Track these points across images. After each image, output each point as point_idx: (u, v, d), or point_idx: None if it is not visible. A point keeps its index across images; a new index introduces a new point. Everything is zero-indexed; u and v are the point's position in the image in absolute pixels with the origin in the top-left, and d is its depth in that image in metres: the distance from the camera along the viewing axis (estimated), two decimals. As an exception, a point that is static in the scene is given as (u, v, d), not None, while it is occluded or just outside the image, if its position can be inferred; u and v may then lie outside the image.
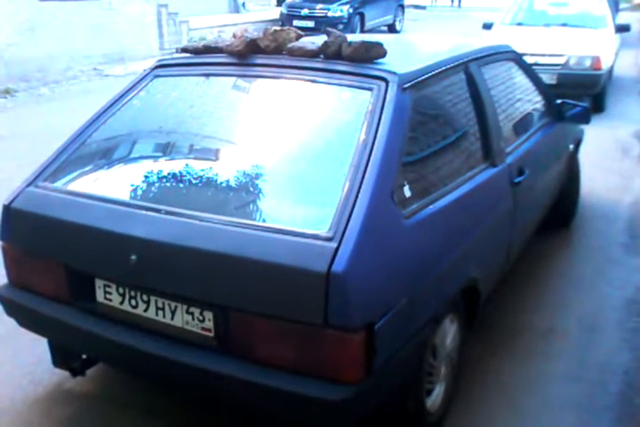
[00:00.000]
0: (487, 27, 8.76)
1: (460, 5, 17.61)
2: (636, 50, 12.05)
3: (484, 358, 2.98)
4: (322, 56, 2.44)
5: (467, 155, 2.62)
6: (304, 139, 2.30)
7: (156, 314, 2.16)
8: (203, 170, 2.29)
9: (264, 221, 2.02)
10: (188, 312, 2.09)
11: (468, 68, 2.76)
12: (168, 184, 2.30)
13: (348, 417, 1.96)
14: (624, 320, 3.39)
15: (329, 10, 13.69)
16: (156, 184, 2.31)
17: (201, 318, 2.07)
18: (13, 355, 2.98)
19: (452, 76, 2.64)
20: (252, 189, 2.17)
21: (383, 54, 2.39)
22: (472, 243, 2.50)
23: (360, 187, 1.95)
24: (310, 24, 13.51)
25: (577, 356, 3.07)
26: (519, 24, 8.57)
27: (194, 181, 2.25)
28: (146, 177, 2.34)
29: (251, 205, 2.13)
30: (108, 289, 2.24)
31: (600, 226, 4.60)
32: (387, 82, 2.24)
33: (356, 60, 2.37)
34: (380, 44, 2.38)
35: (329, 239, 1.87)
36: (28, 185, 2.41)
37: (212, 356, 2.04)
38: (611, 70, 8.15)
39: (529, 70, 3.57)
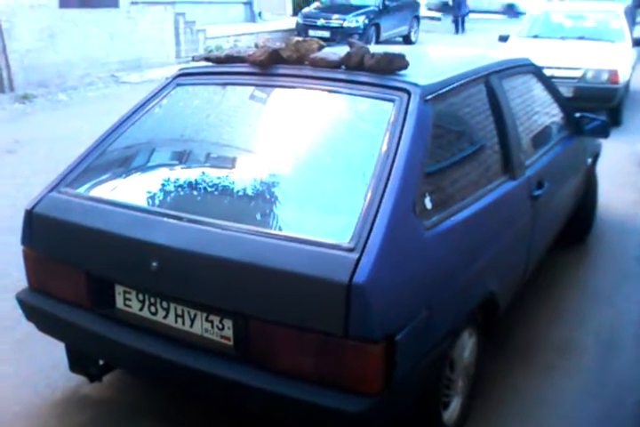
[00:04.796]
0: (503, 39, 8.77)
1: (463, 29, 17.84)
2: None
3: (501, 371, 2.96)
4: (343, 67, 2.45)
5: (487, 167, 2.62)
6: (325, 149, 2.31)
7: (176, 321, 2.17)
8: (223, 179, 2.31)
9: (285, 230, 2.03)
10: (207, 320, 2.10)
11: (489, 81, 2.77)
12: (189, 192, 2.32)
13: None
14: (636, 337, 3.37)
15: (345, 20, 13.75)
16: (177, 192, 2.33)
17: (220, 326, 2.07)
18: (30, 359, 3.00)
19: (473, 89, 2.65)
20: (272, 198, 2.18)
21: (405, 66, 2.39)
22: (491, 256, 2.49)
23: (382, 198, 1.96)
24: (326, 34, 13.55)
25: (594, 371, 3.04)
26: (535, 36, 8.57)
27: (214, 190, 2.27)
28: (167, 185, 2.36)
29: (271, 214, 2.14)
30: (127, 296, 2.25)
31: (616, 240, 4.57)
32: (409, 93, 2.25)
33: (378, 72, 2.38)
34: (402, 56, 2.39)
35: (350, 250, 1.87)
36: (51, 190, 2.43)
37: (231, 364, 2.04)
38: (628, 84, 8.12)
39: (548, 83, 3.57)
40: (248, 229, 2.02)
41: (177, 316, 2.16)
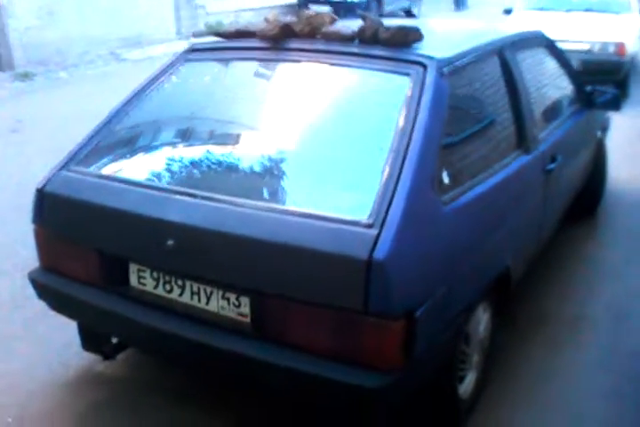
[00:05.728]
0: (508, 12, 8.66)
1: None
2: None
3: (514, 346, 2.97)
4: (357, 40, 2.41)
5: (502, 141, 2.59)
6: (341, 124, 2.27)
7: (191, 299, 2.16)
8: (237, 156, 2.29)
9: (301, 206, 2.00)
10: (223, 297, 2.09)
11: (503, 54, 2.72)
12: (201, 169, 2.29)
13: (385, 405, 1.96)
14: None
15: (346, -6, 13.57)
16: (189, 169, 2.31)
17: (237, 303, 2.07)
18: (43, 337, 3.00)
19: (488, 62, 2.61)
20: (288, 174, 2.15)
21: (420, 38, 2.36)
22: (507, 231, 2.48)
23: (400, 173, 1.93)
24: (327, 8, 13.37)
25: (605, 345, 3.05)
26: (541, 9, 8.45)
27: (227, 167, 2.24)
28: (178, 162, 2.34)
29: (287, 191, 2.12)
30: (142, 274, 2.24)
31: (626, 213, 4.55)
32: (425, 67, 2.21)
33: (393, 45, 2.34)
34: (416, 29, 2.35)
35: (369, 226, 1.85)
36: (61, 169, 2.41)
37: (248, 341, 2.04)
38: (635, 57, 8.03)
39: (561, 57, 3.52)
40: (264, 205, 2.00)
41: (192, 293, 2.15)
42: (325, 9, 13.35)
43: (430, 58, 2.25)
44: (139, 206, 2.17)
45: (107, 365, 2.79)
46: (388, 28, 2.33)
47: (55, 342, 2.95)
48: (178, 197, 2.13)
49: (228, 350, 2.05)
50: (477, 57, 2.50)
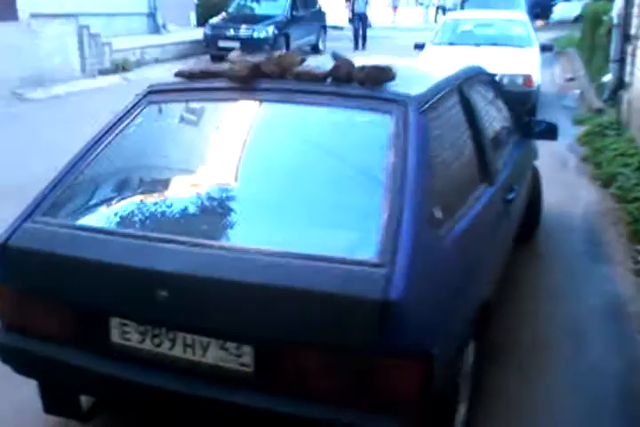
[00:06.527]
0: (419, 47, 9.00)
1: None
2: (551, 68, 12.68)
3: (484, 374, 3.00)
4: (330, 80, 2.41)
5: (472, 174, 2.66)
6: (329, 164, 2.26)
7: (184, 352, 2.04)
8: (225, 199, 2.22)
9: (302, 249, 1.95)
10: (222, 348, 1.99)
11: (462, 89, 2.81)
12: (187, 215, 2.20)
13: None
14: (604, 328, 3.51)
15: (254, 30, 13.72)
16: (173, 216, 2.21)
17: (238, 353, 1.97)
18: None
19: (452, 98, 2.68)
20: (281, 216, 2.11)
21: (393, 77, 2.39)
22: (486, 261, 2.53)
23: (401, 211, 1.93)
24: (236, 45, 13.45)
25: (569, 365, 3.14)
26: (451, 44, 8.85)
27: (216, 212, 2.17)
28: (158, 208, 2.24)
29: (284, 233, 2.07)
30: (125, 328, 2.11)
31: (561, 237, 4.77)
32: (404, 105, 2.24)
33: (367, 84, 2.36)
34: (389, 68, 2.38)
35: (378, 265, 1.83)
36: (25, 220, 2.24)
37: (253, 391, 1.95)
38: (539, 87, 8.54)
39: (499, 90, 3.68)
40: (261, 249, 1.94)
41: (186, 346, 2.04)
42: (235, 45, 13.44)
43: (408, 96, 2.28)
44: (121, 257, 2.05)
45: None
46: (362, 68, 2.35)
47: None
48: (165, 245, 2.03)
49: (230, 402, 1.95)
50: (444, 93, 2.57)
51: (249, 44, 13.35)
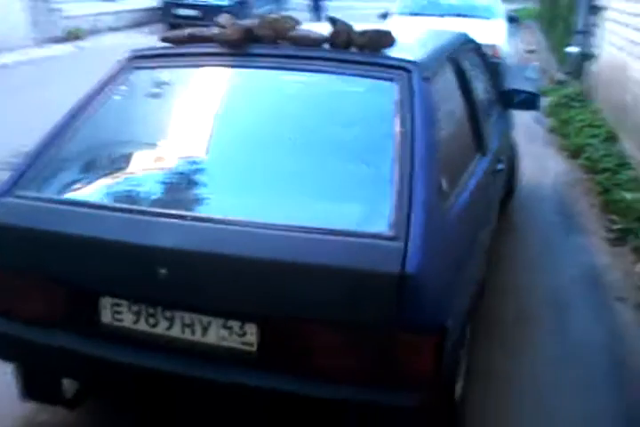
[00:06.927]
0: (383, 16, 8.88)
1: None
2: (511, 40, 12.72)
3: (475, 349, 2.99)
4: (328, 45, 2.31)
5: (469, 145, 2.61)
6: (333, 133, 2.16)
7: (183, 332, 1.95)
8: (227, 170, 2.10)
9: (311, 222, 1.87)
10: (225, 327, 1.91)
11: (457, 58, 2.75)
12: (184, 188, 2.08)
13: (420, 419, 1.88)
14: (584, 298, 3.55)
15: (212, -3, 13.33)
16: (170, 188, 2.09)
17: (241, 331, 1.89)
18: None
19: (449, 66, 2.62)
20: (287, 188, 2.01)
21: (393, 43, 2.30)
22: (482, 235, 2.49)
23: (411, 182, 1.86)
24: (194, 13, 13.08)
25: (556, 338, 3.16)
26: (415, 14, 8.73)
27: (218, 183, 2.05)
28: (152, 181, 2.11)
29: (291, 206, 1.97)
30: (117, 308, 1.99)
31: (534, 207, 4.80)
32: (409, 71, 2.16)
33: (367, 49, 2.27)
34: (389, 33, 2.29)
35: (392, 238, 1.77)
36: (4, 195, 2.09)
37: (256, 371, 1.88)
38: (505, 58, 8.53)
39: (484, 58, 3.63)
40: (268, 223, 1.85)
41: (184, 326, 1.94)
42: (193, 13, 13.06)
43: (412, 62, 2.20)
44: (113, 232, 1.92)
45: (52, 413, 2.47)
46: (364, 32, 2.26)
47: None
48: (161, 219, 1.91)
49: (232, 382, 1.88)
50: (442, 61, 2.50)
51: (208, 12, 12.95)
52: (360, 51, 2.28)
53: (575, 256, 4.05)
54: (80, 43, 12.09)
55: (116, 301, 1.98)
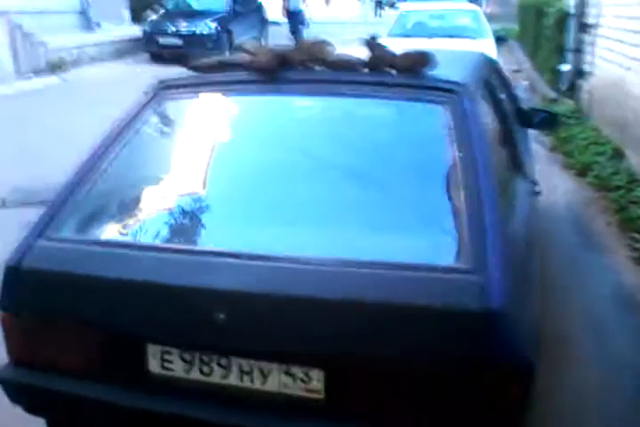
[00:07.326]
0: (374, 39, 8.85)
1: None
2: (498, 59, 12.81)
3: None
4: (366, 69, 2.21)
5: (512, 168, 2.52)
6: (390, 161, 2.04)
7: (241, 380, 1.80)
8: (273, 204, 1.96)
9: (377, 256, 1.74)
10: (287, 373, 1.76)
11: (488, 78, 2.67)
12: (231, 224, 1.95)
13: None
14: (621, 319, 3.44)
15: (197, 26, 13.29)
16: (215, 225, 1.95)
17: (305, 378, 1.75)
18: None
19: (486, 87, 2.53)
20: (344, 221, 1.88)
21: (434, 64, 2.21)
22: (537, 260, 2.38)
23: (480, 209, 1.75)
24: (178, 42, 13.04)
25: (596, 359, 3.05)
26: (405, 36, 8.75)
27: (267, 219, 1.92)
28: (196, 218, 1.98)
29: (353, 240, 1.84)
30: (166, 357, 1.85)
31: (551, 228, 4.70)
32: (456, 93, 2.06)
33: (407, 72, 2.17)
34: (431, 54, 2.20)
35: (469, 272, 1.64)
36: (36, 238, 1.94)
37: (325, 420, 1.74)
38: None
39: (505, 78, 3.56)
40: (332, 259, 1.72)
41: (242, 373, 1.80)
42: (176, 41, 13.03)
43: (458, 84, 2.10)
44: (160, 275, 1.78)
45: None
46: (405, 54, 2.17)
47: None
48: (215, 259, 1.77)
49: None
50: (480, 81, 2.42)
51: (191, 41, 12.96)
52: (400, 73, 2.18)
53: (602, 276, 3.95)
54: (64, 75, 11.96)
55: (165, 348, 1.83)
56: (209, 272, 1.75)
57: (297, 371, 1.75)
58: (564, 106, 7.93)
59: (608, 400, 2.74)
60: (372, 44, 2.24)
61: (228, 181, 2.11)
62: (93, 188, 2.04)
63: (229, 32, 13.79)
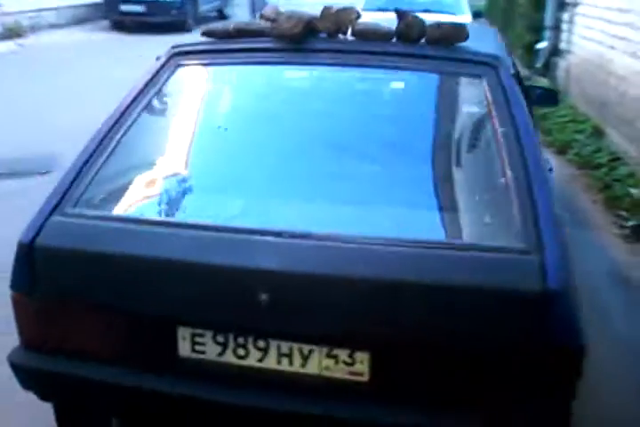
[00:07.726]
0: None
1: None
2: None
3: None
4: (396, 39, 2.12)
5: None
6: (424, 138, 1.96)
7: (279, 362, 1.73)
8: (311, 178, 1.86)
9: (425, 235, 1.67)
10: (329, 356, 1.69)
11: (510, 53, 2.60)
12: (268, 199, 1.84)
13: None
14: (618, 294, 3.46)
15: (162, -7, 12.86)
16: (250, 200, 1.85)
17: (349, 360, 1.69)
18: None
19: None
20: (388, 199, 1.80)
21: (467, 38, 2.13)
22: None
23: (531, 188, 1.69)
24: (141, 9, 12.58)
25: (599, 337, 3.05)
26: (380, 9, 8.59)
27: (305, 193, 1.82)
28: (230, 192, 1.86)
29: (398, 219, 1.77)
30: (198, 339, 1.75)
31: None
32: (494, 67, 1.99)
33: (439, 44, 2.09)
34: (465, 27, 2.12)
35: (526, 252, 1.59)
36: (51, 214, 1.81)
37: (370, 403, 1.68)
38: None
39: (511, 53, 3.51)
40: (380, 238, 1.64)
41: (281, 355, 1.72)
42: (139, 8, 12.58)
43: (496, 58, 2.03)
44: (194, 254, 1.68)
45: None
46: (438, 25, 2.08)
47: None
48: (254, 237, 1.68)
49: (341, 417, 1.68)
50: (510, 56, 2.35)
51: (154, 8, 12.55)
52: (432, 45, 2.10)
53: (593, 252, 3.97)
54: (21, 40, 11.45)
55: (198, 331, 1.74)
56: (249, 251, 1.65)
57: (340, 353, 1.68)
58: (539, 83, 7.95)
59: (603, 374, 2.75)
60: (402, 13, 2.14)
61: (261, 156, 1.99)
62: (109, 160, 1.91)
63: (194, 0, 13.38)
